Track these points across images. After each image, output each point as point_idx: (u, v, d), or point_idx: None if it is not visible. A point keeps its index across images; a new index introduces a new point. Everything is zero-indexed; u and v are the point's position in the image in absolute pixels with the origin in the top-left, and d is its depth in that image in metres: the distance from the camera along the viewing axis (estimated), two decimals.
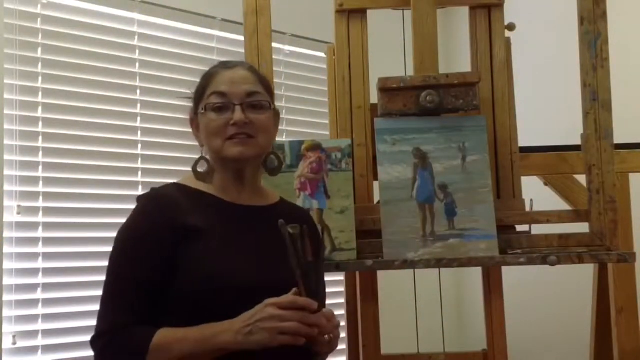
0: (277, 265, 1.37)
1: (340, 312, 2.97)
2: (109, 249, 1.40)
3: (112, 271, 1.39)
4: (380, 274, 1.84)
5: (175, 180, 1.52)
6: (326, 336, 1.38)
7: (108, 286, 1.38)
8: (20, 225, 2.43)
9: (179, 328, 1.32)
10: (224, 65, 1.51)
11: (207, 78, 1.50)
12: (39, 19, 2.54)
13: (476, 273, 1.98)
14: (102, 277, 1.38)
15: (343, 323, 2.17)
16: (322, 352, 1.39)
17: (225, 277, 1.34)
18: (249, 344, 1.28)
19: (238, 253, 1.39)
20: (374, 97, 1.85)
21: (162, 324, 1.33)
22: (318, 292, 1.34)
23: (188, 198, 1.43)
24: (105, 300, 1.37)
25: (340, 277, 2.46)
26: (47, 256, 2.45)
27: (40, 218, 2.47)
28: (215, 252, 1.37)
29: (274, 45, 1.85)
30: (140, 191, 2.65)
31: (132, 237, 1.39)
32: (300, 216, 1.56)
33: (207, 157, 1.51)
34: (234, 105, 1.44)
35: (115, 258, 1.39)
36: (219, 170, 1.49)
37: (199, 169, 1.50)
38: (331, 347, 1.41)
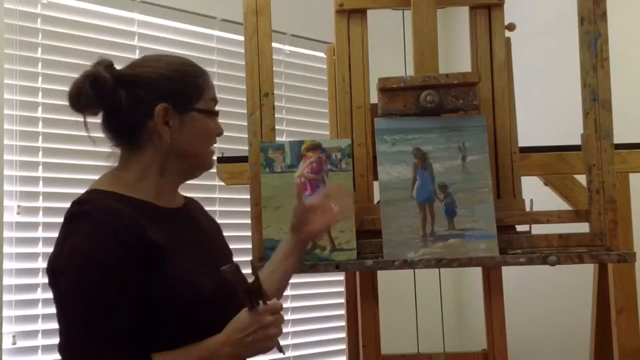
0: (222, 263, 1.38)
1: (340, 312, 2.98)
2: None
3: (86, 299, 1.23)
4: (380, 274, 1.84)
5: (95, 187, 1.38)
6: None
7: (81, 316, 1.23)
8: (20, 225, 2.43)
9: (167, 352, 1.26)
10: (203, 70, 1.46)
11: (204, 79, 1.42)
12: (39, 19, 2.54)
13: (476, 273, 1.98)
14: None
15: (343, 323, 2.17)
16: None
17: (200, 288, 1.31)
18: (251, 353, 1.28)
19: (198, 260, 1.35)
20: (374, 97, 1.85)
21: (144, 347, 1.25)
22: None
23: (134, 210, 1.32)
24: (82, 331, 1.23)
25: (340, 277, 2.46)
26: (47, 256, 2.43)
27: (40, 218, 2.47)
28: (182, 265, 1.32)
29: (274, 45, 1.85)
30: None
31: (102, 261, 1.24)
32: (200, 206, 1.58)
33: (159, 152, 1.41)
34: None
35: (86, 285, 1.24)
36: (167, 173, 1.40)
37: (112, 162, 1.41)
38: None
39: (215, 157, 1.48)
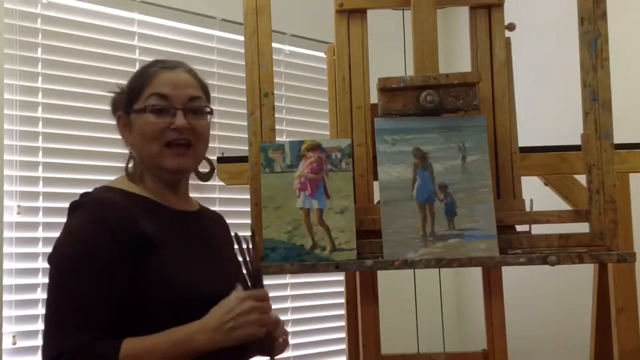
0: (226, 271, 1.41)
1: (340, 312, 2.98)
2: None
3: (69, 285, 1.26)
4: (380, 274, 1.84)
5: (106, 184, 1.44)
6: (280, 339, 1.44)
7: (64, 301, 1.25)
8: (20, 225, 2.44)
9: (144, 336, 1.25)
10: (164, 66, 1.44)
11: (146, 77, 1.42)
12: (39, 19, 2.54)
13: (476, 273, 1.98)
14: None
15: (343, 323, 2.17)
16: (278, 353, 1.45)
17: (193, 287, 1.31)
18: (231, 340, 1.27)
19: (195, 261, 1.36)
20: (374, 97, 1.84)
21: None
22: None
23: (131, 203, 1.35)
24: (61, 317, 1.24)
25: (340, 277, 2.46)
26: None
27: (40, 218, 2.47)
28: (176, 262, 1.33)
29: (274, 45, 1.85)
30: None
31: (90, 248, 1.27)
32: (221, 221, 1.61)
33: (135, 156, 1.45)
34: (175, 109, 1.39)
35: (71, 271, 1.27)
36: (151, 174, 1.43)
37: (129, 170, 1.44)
38: (283, 348, 1.47)
39: (177, 157, 1.41)
